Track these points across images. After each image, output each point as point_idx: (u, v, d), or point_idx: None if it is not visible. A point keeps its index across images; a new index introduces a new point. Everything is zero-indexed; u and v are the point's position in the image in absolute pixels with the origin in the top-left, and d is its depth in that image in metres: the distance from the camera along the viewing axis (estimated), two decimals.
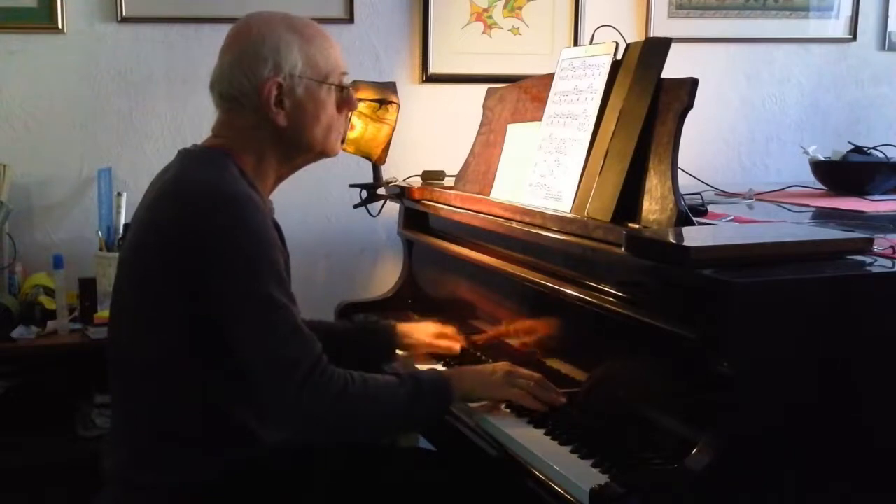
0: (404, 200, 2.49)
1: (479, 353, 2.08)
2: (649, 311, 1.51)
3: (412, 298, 2.51)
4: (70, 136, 2.68)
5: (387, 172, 2.60)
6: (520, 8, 2.96)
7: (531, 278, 1.86)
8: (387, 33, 2.88)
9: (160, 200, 1.63)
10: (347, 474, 1.73)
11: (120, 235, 2.49)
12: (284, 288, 1.57)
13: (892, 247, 1.56)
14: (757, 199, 2.30)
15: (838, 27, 3.27)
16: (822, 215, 2.11)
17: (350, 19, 2.83)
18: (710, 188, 2.32)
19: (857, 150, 2.56)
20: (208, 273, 1.54)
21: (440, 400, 1.68)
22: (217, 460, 1.61)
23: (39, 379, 2.49)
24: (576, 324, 1.76)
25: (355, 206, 2.62)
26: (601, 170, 1.77)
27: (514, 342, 1.98)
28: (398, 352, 2.12)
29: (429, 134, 2.88)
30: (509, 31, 2.97)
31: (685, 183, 1.77)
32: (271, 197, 1.79)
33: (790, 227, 1.93)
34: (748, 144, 3.24)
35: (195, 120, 2.70)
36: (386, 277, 2.81)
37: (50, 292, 2.46)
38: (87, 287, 2.46)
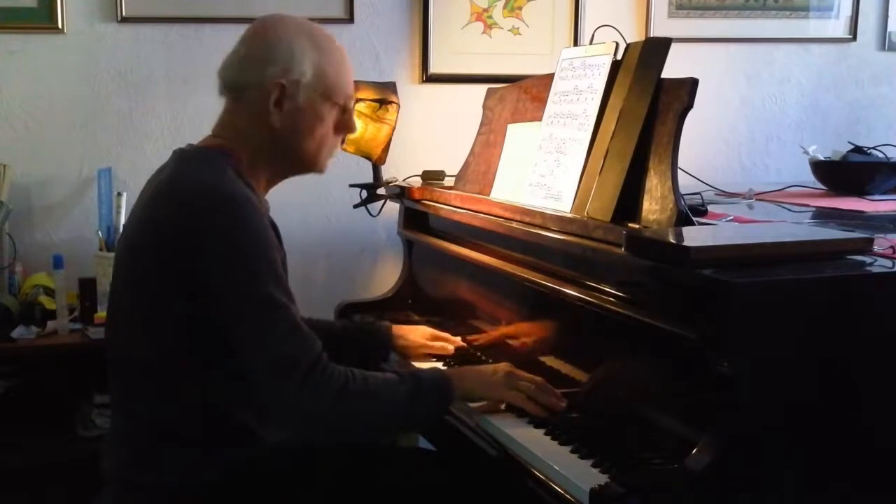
0: (404, 200, 2.49)
1: (479, 354, 2.08)
2: (649, 311, 1.51)
3: (412, 298, 2.51)
4: (70, 136, 2.68)
5: (387, 172, 2.60)
6: (520, 8, 2.96)
7: (531, 278, 1.86)
8: (387, 33, 2.88)
9: (156, 200, 1.63)
10: (347, 474, 1.73)
11: (120, 235, 2.49)
12: (283, 287, 1.57)
13: (892, 247, 1.56)
14: (757, 199, 2.30)
15: (838, 27, 3.27)
16: (822, 215, 2.11)
17: (350, 19, 2.83)
18: (710, 188, 2.32)
19: (857, 150, 2.56)
20: (207, 273, 1.54)
21: (440, 399, 1.68)
22: (217, 460, 1.61)
23: (39, 379, 2.49)
24: (576, 324, 1.76)
25: (355, 206, 2.62)
26: (601, 170, 1.77)
27: (514, 342, 1.97)
28: (392, 354, 2.12)
29: (429, 134, 2.88)
30: (509, 31, 2.97)
31: (685, 183, 1.77)
32: (267, 196, 1.79)
33: (790, 227, 1.93)
34: (748, 144, 3.24)
35: (195, 120, 2.70)
36: (386, 277, 2.81)
37: (50, 292, 2.46)
38: (87, 287, 2.46)
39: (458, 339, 2.13)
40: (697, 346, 1.39)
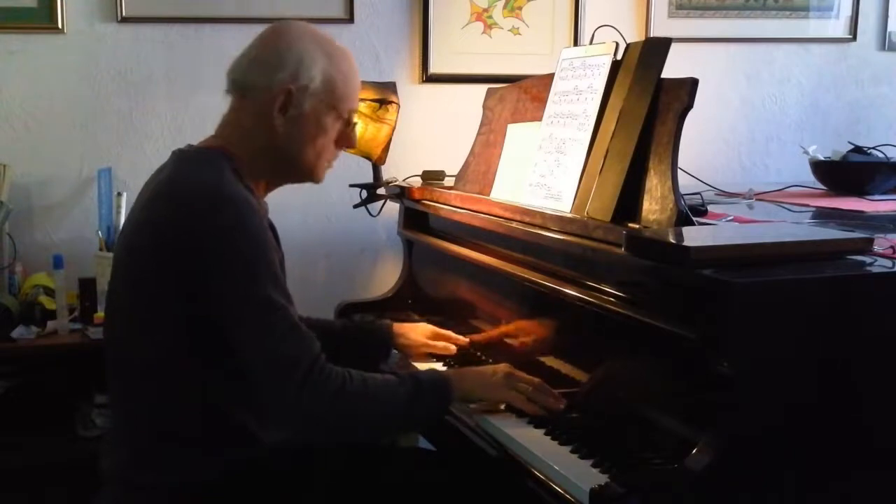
0: (404, 200, 2.49)
1: (479, 354, 2.08)
2: (649, 311, 1.51)
3: (412, 298, 2.51)
4: (70, 136, 2.68)
5: (387, 172, 2.60)
6: (520, 8, 2.96)
7: (531, 278, 1.86)
8: (387, 33, 2.88)
9: (155, 201, 1.63)
10: (347, 474, 1.73)
11: (118, 235, 2.49)
12: (281, 288, 1.58)
13: (892, 247, 1.56)
14: (757, 199, 2.30)
15: (838, 27, 3.27)
16: (822, 215, 2.11)
17: (350, 19, 2.83)
18: (710, 188, 2.31)
19: (857, 150, 2.56)
20: (206, 274, 1.54)
21: (440, 399, 1.68)
22: (217, 460, 1.61)
23: (39, 379, 2.49)
24: (576, 324, 1.76)
25: (355, 206, 2.62)
26: (601, 170, 1.77)
27: (514, 342, 1.97)
28: (394, 352, 2.12)
29: (429, 134, 2.88)
30: (509, 31, 2.97)
31: (685, 183, 1.77)
32: (268, 196, 1.79)
33: (790, 227, 1.93)
34: (748, 144, 3.24)
35: (195, 120, 2.70)
36: (386, 277, 2.81)
37: (50, 292, 2.47)
38: (87, 287, 2.46)
39: (462, 337, 2.11)
40: (697, 346, 1.39)
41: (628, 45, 1.86)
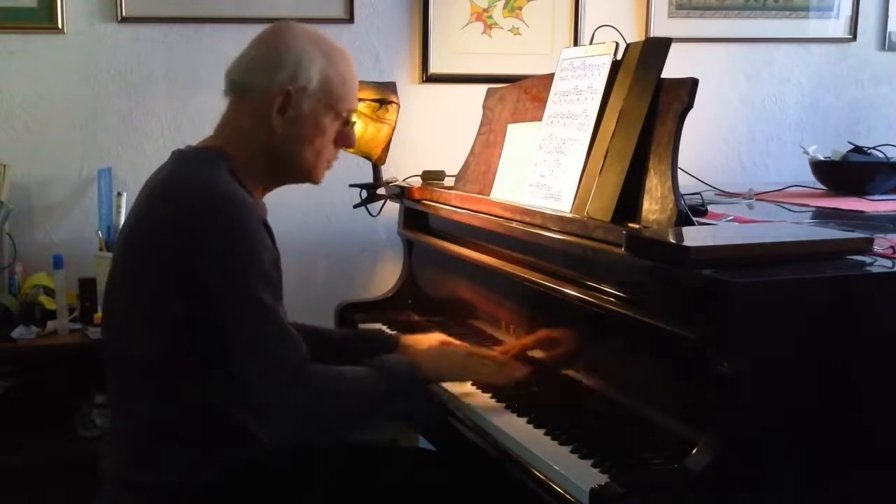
0: (404, 200, 2.49)
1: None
2: (649, 311, 1.51)
3: (412, 298, 2.51)
4: (70, 136, 2.68)
5: (387, 172, 2.61)
6: (520, 8, 2.96)
7: (531, 278, 1.86)
8: (387, 33, 2.88)
9: (153, 200, 1.63)
10: (347, 474, 1.73)
11: (118, 234, 2.49)
12: (272, 290, 1.59)
13: (892, 247, 1.56)
14: (757, 199, 2.30)
15: (838, 27, 3.27)
16: (822, 215, 2.11)
17: (350, 19, 2.83)
18: (710, 188, 2.31)
19: (857, 150, 2.55)
20: (205, 274, 1.54)
21: (416, 387, 1.72)
22: (217, 460, 1.61)
23: (39, 379, 2.49)
24: (576, 324, 1.77)
25: (355, 206, 2.62)
26: (601, 170, 1.77)
27: (532, 352, 1.94)
28: None
29: (429, 134, 2.88)
30: (509, 31, 2.97)
31: (685, 183, 1.77)
32: (268, 196, 1.79)
33: (790, 227, 1.93)
34: (748, 144, 3.24)
35: (195, 120, 2.70)
36: (386, 277, 2.81)
37: (50, 292, 2.47)
38: (87, 287, 2.46)
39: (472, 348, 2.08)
40: (697, 346, 1.39)
41: (628, 45, 1.86)
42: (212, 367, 1.58)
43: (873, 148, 2.55)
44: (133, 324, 1.62)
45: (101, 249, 2.49)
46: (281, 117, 1.67)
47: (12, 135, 2.65)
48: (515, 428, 1.66)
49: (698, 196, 1.99)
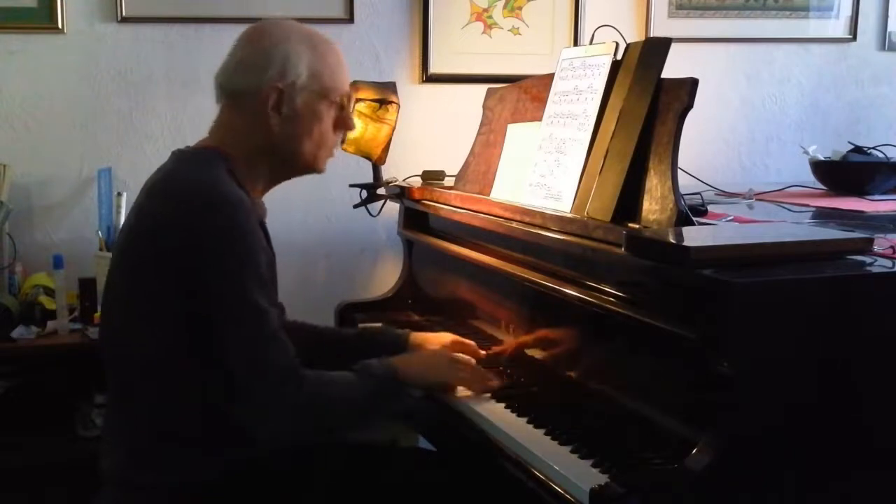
0: (404, 200, 2.49)
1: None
2: (649, 311, 1.51)
3: (412, 298, 2.51)
4: (70, 136, 2.68)
5: (387, 172, 2.60)
6: (520, 8, 2.96)
7: (531, 278, 1.86)
8: (387, 33, 2.88)
9: (153, 199, 1.64)
10: (347, 474, 1.73)
11: (118, 234, 2.49)
12: (265, 293, 1.60)
13: (892, 247, 1.56)
14: (757, 199, 2.30)
15: (838, 27, 3.27)
16: (822, 215, 2.11)
17: (350, 19, 2.83)
18: (710, 188, 2.31)
19: (857, 150, 2.55)
20: (204, 273, 1.54)
21: (396, 391, 1.73)
22: (217, 460, 1.61)
23: (39, 379, 2.49)
24: (576, 324, 1.76)
25: (355, 206, 2.62)
26: (601, 170, 1.77)
27: (532, 352, 1.94)
28: None
29: (429, 134, 2.88)
30: (509, 31, 2.97)
31: (685, 183, 1.77)
32: (268, 196, 1.79)
33: (790, 227, 1.93)
34: (748, 144, 3.24)
35: (195, 120, 2.70)
36: (386, 277, 2.81)
37: (50, 292, 2.46)
38: (87, 287, 2.46)
39: (481, 351, 2.01)
40: (697, 346, 1.39)
41: (628, 45, 1.86)
42: (211, 366, 1.58)
43: (873, 148, 2.55)
44: (132, 323, 1.62)
45: (101, 249, 2.49)
46: (277, 115, 1.68)
47: (12, 135, 2.65)
48: (515, 428, 1.66)
49: (698, 196, 1.99)
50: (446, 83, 2.92)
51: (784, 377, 1.37)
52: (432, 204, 2.33)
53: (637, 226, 1.67)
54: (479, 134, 2.36)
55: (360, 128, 2.46)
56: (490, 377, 1.85)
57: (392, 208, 2.66)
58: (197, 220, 1.55)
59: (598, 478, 1.43)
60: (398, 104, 2.50)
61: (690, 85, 1.67)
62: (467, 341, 2.01)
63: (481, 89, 2.42)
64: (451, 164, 2.45)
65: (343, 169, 2.65)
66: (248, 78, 1.68)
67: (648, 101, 1.72)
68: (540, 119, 2.02)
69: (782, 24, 3.20)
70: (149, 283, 1.59)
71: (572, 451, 1.54)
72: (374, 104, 2.46)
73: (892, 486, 1.48)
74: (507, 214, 1.96)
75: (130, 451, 1.64)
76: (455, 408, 1.80)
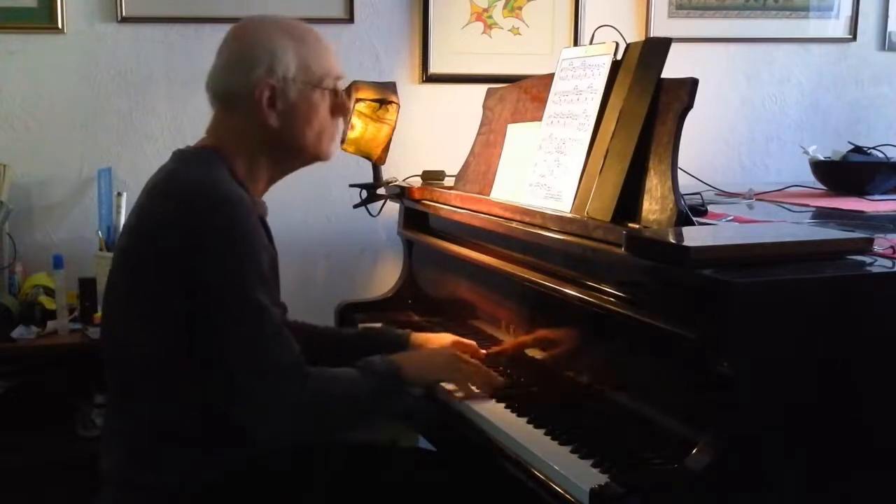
0: (404, 200, 2.49)
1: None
2: (649, 311, 1.51)
3: (412, 298, 2.51)
4: (70, 136, 2.68)
5: (387, 172, 2.60)
6: (520, 8, 2.96)
7: (531, 278, 1.86)
8: (387, 33, 2.88)
9: (154, 199, 1.64)
10: (347, 474, 1.73)
11: (119, 234, 2.49)
12: (267, 291, 1.59)
13: (892, 247, 1.56)
14: (757, 199, 2.30)
15: (838, 27, 3.27)
16: (822, 215, 2.11)
17: (350, 19, 2.83)
18: (710, 188, 2.31)
19: (857, 150, 2.55)
20: (205, 273, 1.54)
21: (398, 389, 1.73)
22: (217, 460, 1.61)
23: (39, 379, 2.49)
24: (576, 324, 1.76)
25: (355, 206, 2.62)
26: (601, 170, 1.77)
27: (532, 352, 1.94)
28: None
29: (429, 134, 2.88)
30: (509, 31, 2.97)
31: (685, 183, 1.77)
32: (267, 196, 1.79)
33: (790, 227, 1.93)
34: (748, 144, 3.24)
35: (195, 120, 2.69)
36: (386, 277, 2.81)
37: (50, 292, 2.46)
38: (87, 287, 2.46)
39: (481, 350, 2.02)
40: (697, 346, 1.39)
41: (628, 45, 1.86)
42: (212, 366, 1.58)
43: (873, 148, 2.55)
44: (133, 322, 1.62)
45: (101, 249, 2.49)
46: (273, 111, 1.68)
47: (12, 135, 2.65)
48: (515, 428, 1.66)
49: (698, 196, 1.99)
50: (446, 83, 2.92)
51: (784, 377, 1.37)
52: (432, 204, 2.33)
53: (637, 226, 1.67)
54: (479, 134, 2.36)
55: (361, 128, 2.46)
56: (494, 376, 1.86)
57: (392, 208, 2.66)
58: (197, 220, 1.55)
59: (598, 478, 1.43)
60: (398, 104, 2.50)
61: (690, 85, 1.67)
62: (468, 341, 2.01)
63: (481, 89, 2.42)
64: (451, 164, 2.45)
65: (343, 169, 2.65)
66: (238, 79, 1.68)
67: (648, 101, 1.72)
68: (540, 119, 2.02)
69: (782, 24, 3.20)
70: (149, 283, 1.59)
71: (572, 451, 1.54)
72: (374, 104, 2.46)
73: (892, 486, 1.48)
74: (507, 214, 1.96)
75: (130, 451, 1.64)
76: (455, 408, 1.80)
